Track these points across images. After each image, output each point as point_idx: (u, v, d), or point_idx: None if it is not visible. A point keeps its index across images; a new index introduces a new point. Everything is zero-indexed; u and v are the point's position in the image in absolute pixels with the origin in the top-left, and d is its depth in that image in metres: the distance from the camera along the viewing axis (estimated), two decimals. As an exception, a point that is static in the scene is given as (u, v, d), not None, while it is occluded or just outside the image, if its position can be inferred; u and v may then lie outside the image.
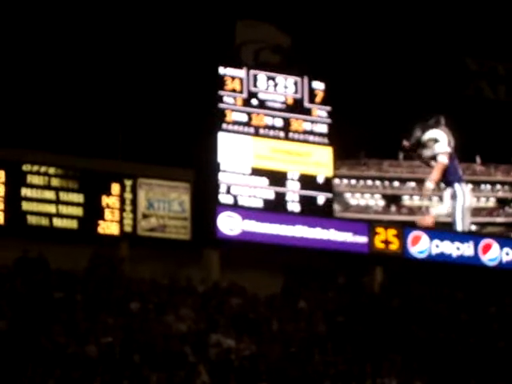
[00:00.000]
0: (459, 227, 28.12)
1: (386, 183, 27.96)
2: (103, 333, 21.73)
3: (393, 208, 28.06)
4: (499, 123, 28.42)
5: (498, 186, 28.75)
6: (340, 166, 27.73)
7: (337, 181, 27.64)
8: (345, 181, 27.72)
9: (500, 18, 29.59)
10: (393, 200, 27.99)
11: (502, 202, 28.75)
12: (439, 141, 28.07)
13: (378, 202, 27.87)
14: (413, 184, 28.19)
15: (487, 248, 28.58)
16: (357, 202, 27.71)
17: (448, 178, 28.10)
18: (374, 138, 27.75)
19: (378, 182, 27.88)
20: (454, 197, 27.91)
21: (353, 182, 27.76)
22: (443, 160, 28.17)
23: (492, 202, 28.68)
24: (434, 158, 28.14)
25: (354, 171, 27.79)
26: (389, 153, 28.02)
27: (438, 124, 28.37)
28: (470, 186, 28.57)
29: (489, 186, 28.64)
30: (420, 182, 28.16)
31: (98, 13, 26.56)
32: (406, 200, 28.10)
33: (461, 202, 28.03)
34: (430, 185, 28.08)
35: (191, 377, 21.23)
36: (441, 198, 28.17)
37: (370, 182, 27.84)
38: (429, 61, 28.15)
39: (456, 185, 28.43)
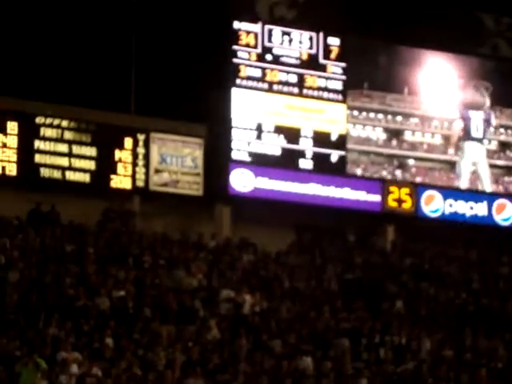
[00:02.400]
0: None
1: (389, 117, 27.72)
2: (114, 286, 21.78)
3: (394, 142, 27.79)
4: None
5: (502, 130, 28.60)
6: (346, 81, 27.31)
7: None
8: (348, 111, 27.42)
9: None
10: (394, 134, 27.78)
11: (503, 146, 28.60)
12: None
13: (379, 135, 27.60)
14: (416, 120, 27.96)
15: (501, 208, 28.42)
16: (357, 134, 27.44)
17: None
18: (378, 70, 27.50)
19: (380, 115, 27.63)
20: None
21: (355, 112, 27.47)
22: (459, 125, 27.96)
23: (494, 145, 28.54)
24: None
25: (356, 102, 27.49)
26: (393, 87, 27.69)
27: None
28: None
29: (492, 129, 28.51)
30: (423, 118, 27.93)
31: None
32: (408, 135, 27.88)
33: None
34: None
35: (202, 331, 21.30)
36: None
37: (372, 115, 27.58)
38: (444, 16, 27.76)
39: (466, 143, 28.24)
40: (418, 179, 27.79)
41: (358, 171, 27.42)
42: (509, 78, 28.21)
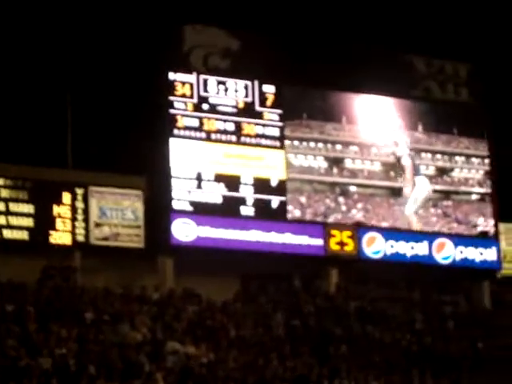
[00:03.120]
0: (408, 210, 28.30)
1: (329, 146, 28.07)
2: (57, 344, 21.40)
3: (335, 170, 28.10)
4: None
5: (438, 156, 29.15)
6: (283, 128, 27.59)
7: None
8: (287, 142, 27.64)
9: (447, 16, 29.80)
10: (335, 162, 28.11)
11: (440, 171, 29.07)
12: (399, 144, 28.57)
13: (320, 163, 27.91)
14: (355, 148, 28.35)
15: (441, 247, 28.75)
16: (299, 163, 27.66)
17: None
18: (316, 100, 27.76)
19: (320, 144, 27.97)
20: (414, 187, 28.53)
21: (295, 143, 27.72)
22: (407, 162, 28.55)
23: (432, 170, 29.07)
24: (395, 157, 28.47)
25: (296, 133, 27.75)
26: (331, 116, 28.08)
27: (396, 129, 28.74)
28: (425, 178, 28.92)
29: (429, 155, 29.06)
30: (361, 146, 28.28)
31: (46, 15, 26.25)
32: (349, 163, 28.24)
33: (419, 192, 28.45)
34: (408, 189, 28.40)
35: (148, 386, 21.00)
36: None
37: (312, 144, 27.87)
38: (378, 60, 28.24)
39: (416, 178, 28.68)
40: (360, 205, 27.95)
41: (302, 200, 27.39)
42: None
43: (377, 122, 28.71)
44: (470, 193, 29.24)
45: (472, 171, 29.39)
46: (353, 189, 28.24)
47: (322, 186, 27.91)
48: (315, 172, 27.89)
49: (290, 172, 27.59)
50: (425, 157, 29.08)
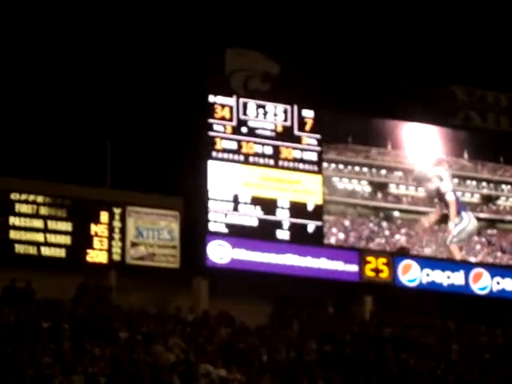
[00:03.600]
0: (448, 241, 28.17)
1: (373, 170, 28.05)
2: (90, 363, 21.47)
3: (379, 195, 28.07)
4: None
5: (484, 184, 28.94)
6: (328, 150, 27.63)
7: (325, 164, 27.58)
8: (332, 165, 27.69)
9: (489, 46, 29.73)
10: (379, 187, 28.08)
11: (486, 199, 28.85)
12: (443, 179, 28.50)
13: (364, 187, 27.91)
14: (400, 173, 28.27)
15: (478, 277, 28.51)
16: (344, 186, 27.70)
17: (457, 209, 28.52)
18: (361, 125, 27.73)
19: (365, 169, 27.98)
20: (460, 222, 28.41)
21: (340, 166, 27.78)
22: (451, 197, 28.46)
23: (476, 198, 28.89)
24: (438, 193, 28.41)
25: (341, 156, 27.77)
26: (377, 140, 28.04)
27: (441, 162, 28.64)
28: (472, 213, 28.72)
29: (474, 182, 28.89)
30: (406, 171, 28.23)
31: (79, 41, 26.58)
32: (393, 188, 28.19)
33: (464, 227, 28.41)
34: (453, 231, 28.31)
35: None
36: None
37: (357, 168, 27.90)
38: (417, 88, 28.24)
39: (463, 213, 28.55)
40: (403, 231, 27.90)
41: (346, 223, 27.37)
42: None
43: (421, 148, 28.55)
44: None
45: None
46: (396, 214, 28.10)
47: (366, 210, 27.79)
48: (359, 196, 27.78)
49: (332, 195, 27.48)
50: (470, 184, 28.96)
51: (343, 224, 27.58)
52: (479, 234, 28.67)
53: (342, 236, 27.51)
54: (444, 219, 28.49)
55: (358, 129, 27.93)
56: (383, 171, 28.25)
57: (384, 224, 28.00)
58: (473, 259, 28.56)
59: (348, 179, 27.88)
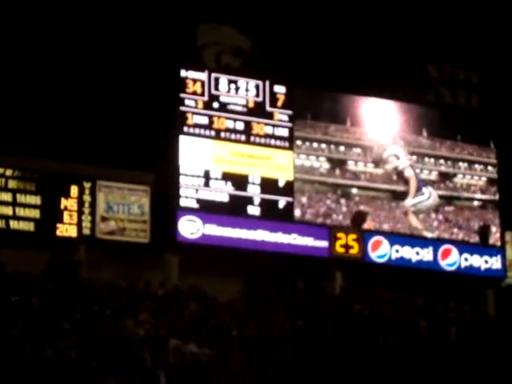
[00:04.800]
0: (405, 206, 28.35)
1: (332, 147, 28.07)
2: (60, 337, 21.40)
3: (337, 172, 28.14)
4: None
5: (441, 161, 29.10)
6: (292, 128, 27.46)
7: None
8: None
9: (460, 23, 29.83)
10: (337, 164, 28.13)
11: (443, 176, 29.04)
12: (400, 157, 28.60)
13: (322, 164, 27.93)
14: (358, 150, 28.33)
15: (447, 253, 28.75)
16: (301, 163, 27.70)
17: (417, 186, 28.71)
18: (321, 101, 27.69)
19: (323, 145, 27.99)
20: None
21: (298, 142, 27.76)
22: (410, 173, 28.58)
23: (434, 175, 29.08)
24: (397, 171, 28.54)
25: (300, 132, 27.75)
26: (336, 117, 28.05)
27: (396, 140, 28.78)
28: (433, 189, 28.91)
29: (432, 160, 29.06)
30: (365, 148, 28.28)
31: (59, 16, 26.29)
32: (351, 165, 28.26)
33: (425, 200, 28.56)
34: (410, 201, 28.42)
35: (149, 382, 20.98)
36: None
37: (315, 145, 27.90)
38: (389, 65, 28.30)
39: (423, 188, 28.68)
40: (361, 207, 28.02)
41: (304, 200, 27.38)
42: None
43: (380, 125, 28.68)
44: (472, 199, 29.25)
45: (475, 178, 29.40)
46: (354, 191, 28.21)
47: (324, 187, 27.85)
48: (317, 173, 27.82)
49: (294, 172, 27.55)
50: (428, 162, 29.08)
51: (300, 201, 27.52)
52: (437, 212, 28.84)
53: (298, 213, 27.49)
54: (401, 196, 28.62)
55: (318, 105, 27.84)
56: (342, 148, 28.24)
57: (342, 201, 28.04)
58: (429, 235, 28.71)
59: (306, 156, 27.84)
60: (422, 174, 29.04)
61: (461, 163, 29.42)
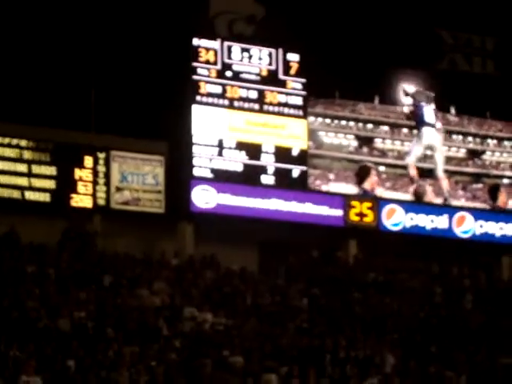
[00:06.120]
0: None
1: (360, 125, 27.94)
2: (76, 307, 21.55)
3: (365, 149, 28.07)
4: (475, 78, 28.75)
5: (470, 138, 28.93)
6: (315, 104, 27.46)
7: (311, 118, 27.43)
8: (319, 119, 27.60)
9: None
10: (365, 142, 28.03)
11: (471, 154, 28.84)
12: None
13: (350, 142, 27.83)
14: (386, 128, 28.18)
15: (461, 220, 28.67)
16: (330, 141, 27.64)
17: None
18: (349, 79, 27.63)
19: (351, 123, 27.88)
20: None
21: (327, 120, 27.68)
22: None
23: (462, 153, 28.91)
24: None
25: (328, 110, 27.65)
26: (363, 95, 27.94)
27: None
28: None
29: (461, 137, 28.85)
30: (393, 126, 28.13)
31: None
32: (379, 143, 28.12)
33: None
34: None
35: (165, 350, 21.14)
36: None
37: (343, 122, 27.80)
38: (404, 33, 28.07)
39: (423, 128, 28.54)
40: (388, 185, 27.93)
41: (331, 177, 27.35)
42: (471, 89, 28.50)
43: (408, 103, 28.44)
44: (501, 176, 29.01)
45: (504, 155, 29.18)
46: (381, 168, 28.12)
47: (351, 164, 27.79)
48: (345, 150, 27.72)
49: (318, 149, 27.40)
50: (456, 139, 28.87)
51: (328, 178, 27.51)
52: (464, 189, 28.68)
53: (325, 189, 27.45)
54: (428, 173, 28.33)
55: (346, 83, 27.68)
56: (370, 125, 28.11)
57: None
58: (455, 202, 28.58)
59: (334, 133, 27.75)
60: (449, 151, 28.65)
61: (489, 140, 29.21)
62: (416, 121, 28.57)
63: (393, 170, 28.24)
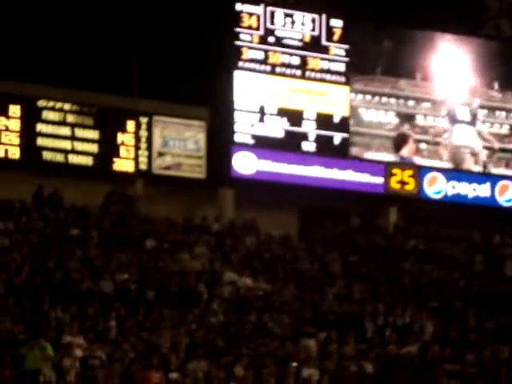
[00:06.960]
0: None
1: (401, 101, 27.78)
2: (118, 270, 21.81)
3: (406, 126, 27.88)
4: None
5: None
6: (355, 81, 27.39)
7: (352, 95, 27.31)
8: (359, 96, 27.42)
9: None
10: (406, 118, 27.87)
11: None
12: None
13: (391, 119, 27.69)
14: (427, 104, 27.99)
15: (504, 189, 28.42)
16: (370, 118, 27.51)
17: None
18: (391, 55, 27.43)
19: (392, 100, 27.70)
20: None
21: (368, 97, 27.53)
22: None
23: (506, 129, 28.59)
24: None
25: (369, 87, 27.48)
26: (405, 71, 27.66)
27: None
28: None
29: (504, 113, 28.54)
30: (434, 103, 27.92)
31: None
32: (420, 120, 27.96)
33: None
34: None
35: (205, 314, 21.34)
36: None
37: (384, 99, 27.62)
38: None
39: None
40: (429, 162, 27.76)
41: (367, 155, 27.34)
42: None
43: (451, 79, 28.01)
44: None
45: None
46: (423, 146, 27.84)
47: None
48: (385, 128, 27.48)
49: (358, 126, 27.19)
50: (499, 115, 28.46)
51: (369, 147, 27.32)
52: (507, 166, 28.29)
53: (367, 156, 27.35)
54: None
55: (387, 60, 27.40)
56: (411, 102, 27.82)
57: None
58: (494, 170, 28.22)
59: (375, 110, 27.53)
60: (492, 127, 28.27)
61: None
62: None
63: (433, 147, 27.94)
